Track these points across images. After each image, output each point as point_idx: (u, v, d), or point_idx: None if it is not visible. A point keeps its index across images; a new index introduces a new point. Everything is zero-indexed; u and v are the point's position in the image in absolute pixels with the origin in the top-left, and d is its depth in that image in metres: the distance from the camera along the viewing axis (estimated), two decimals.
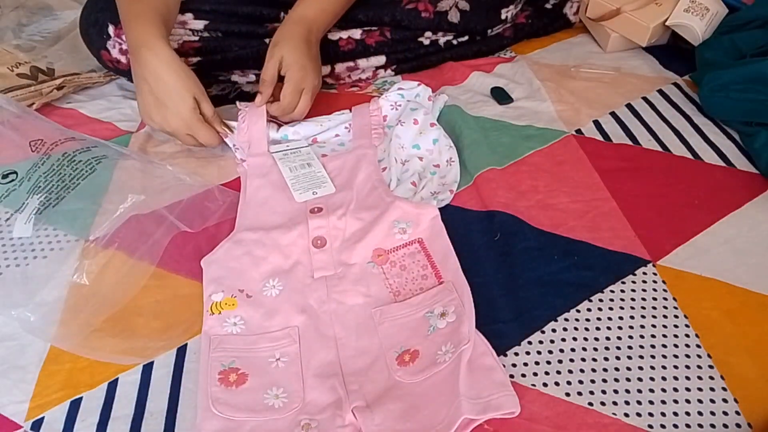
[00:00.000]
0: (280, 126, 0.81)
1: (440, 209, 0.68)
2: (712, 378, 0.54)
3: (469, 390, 0.51)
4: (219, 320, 0.59)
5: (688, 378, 0.54)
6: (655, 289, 0.61)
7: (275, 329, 0.59)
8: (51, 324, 0.58)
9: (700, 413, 0.51)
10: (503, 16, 0.97)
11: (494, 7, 0.95)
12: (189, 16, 0.87)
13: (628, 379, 0.54)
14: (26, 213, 0.65)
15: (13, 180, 0.68)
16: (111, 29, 0.85)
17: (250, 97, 0.92)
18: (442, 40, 0.96)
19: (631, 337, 0.57)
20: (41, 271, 0.65)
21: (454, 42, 0.97)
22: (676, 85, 0.91)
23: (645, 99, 0.88)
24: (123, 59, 0.87)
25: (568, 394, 0.53)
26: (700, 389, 0.53)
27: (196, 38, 0.88)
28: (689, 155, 0.78)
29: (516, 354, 0.56)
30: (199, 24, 0.87)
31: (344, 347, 0.57)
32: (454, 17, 0.93)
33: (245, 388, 0.54)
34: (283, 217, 0.68)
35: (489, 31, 0.98)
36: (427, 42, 0.95)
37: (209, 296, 0.61)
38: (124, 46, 0.86)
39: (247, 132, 0.78)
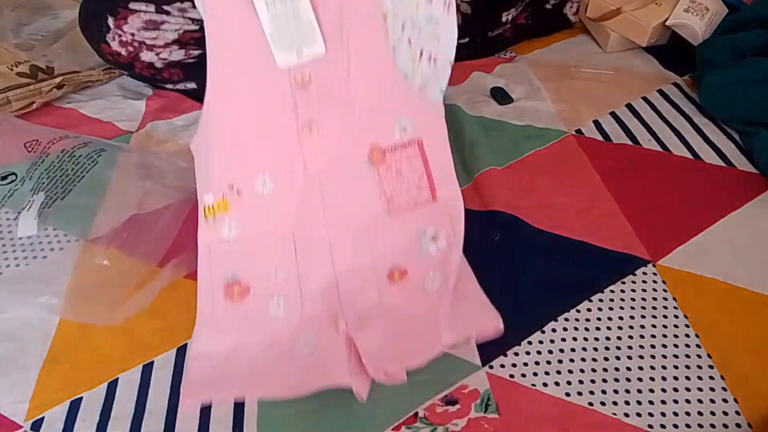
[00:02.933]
0: None
1: None
2: (712, 378, 0.54)
3: (452, 320, 0.52)
4: (214, 227, 0.57)
5: (688, 378, 0.54)
6: (655, 289, 0.61)
7: (271, 235, 0.57)
8: (79, 305, 0.59)
9: (700, 413, 0.51)
10: (504, 19, 0.97)
11: (495, 11, 0.95)
12: (188, 4, 0.87)
13: (628, 379, 0.54)
14: (32, 211, 0.64)
15: (13, 180, 0.68)
16: (110, 21, 0.85)
17: None
18: None
19: (631, 337, 0.57)
20: (42, 270, 0.65)
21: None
22: (676, 85, 0.91)
23: (645, 99, 0.88)
24: (123, 51, 0.87)
25: (568, 394, 0.53)
26: (700, 389, 0.53)
27: (196, 27, 0.87)
28: (689, 155, 0.78)
29: (516, 354, 0.56)
30: (198, 13, 0.87)
31: (340, 260, 0.57)
32: None
33: (249, 299, 0.54)
34: (263, 86, 0.57)
35: (489, 33, 0.98)
36: None
37: (201, 197, 0.58)
38: (125, 38, 0.86)
39: None
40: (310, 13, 0.53)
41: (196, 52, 0.87)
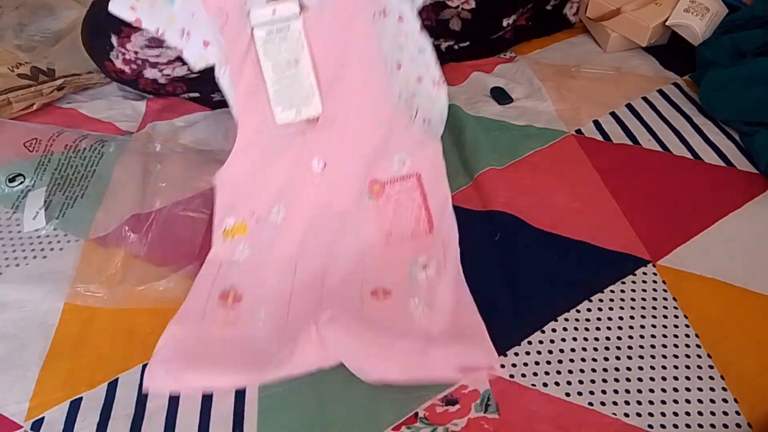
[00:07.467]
0: None
1: None
2: (712, 378, 0.54)
3: (444, 356, 0.53)
4: (231, 247, 0.62)
5: (688, 378, 0.54)
6: (655, 289, 0.61)
7: (276, 259, 0.61)
8: (117, 291, 0.61)
9: (700, 413, 0.51)
10: (504, 24, 0.97)
11: (496, 16, 0.95)
12: None
13: (628, 379, 0.54)
14: (53, 209, 0.65)
15: (21, 182, 0.68)
16: (114, 39, 0.84)
17: None
18: (443, 45, 0.96)
19: (631, 337, 0.57)
20: (42, 270, 0.65)
21: (456, 47, 0.97)
22: (676, 85, 0.91)
23: (645, 99, 0.88)
24: (127, 69, 0.86)
25: (568, 394, 0.53)
26: (700, 389, 0.53)
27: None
28: (689, 155, 0.78)
29: (516, 354, 0.56)
30: None
31: (330, 281, 0.59)
32: (455, 25, 0.94)
33: (240, 305, 0.58)
34: (282, 129, 0.64)
35: (490, 36, 0.98)
36: None
37: (221, 220, 0.63)
38: (128, 56, 0.84)
39: None
40: (312, 78, 0.59)
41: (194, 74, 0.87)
